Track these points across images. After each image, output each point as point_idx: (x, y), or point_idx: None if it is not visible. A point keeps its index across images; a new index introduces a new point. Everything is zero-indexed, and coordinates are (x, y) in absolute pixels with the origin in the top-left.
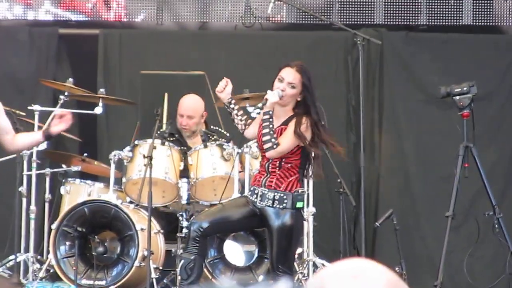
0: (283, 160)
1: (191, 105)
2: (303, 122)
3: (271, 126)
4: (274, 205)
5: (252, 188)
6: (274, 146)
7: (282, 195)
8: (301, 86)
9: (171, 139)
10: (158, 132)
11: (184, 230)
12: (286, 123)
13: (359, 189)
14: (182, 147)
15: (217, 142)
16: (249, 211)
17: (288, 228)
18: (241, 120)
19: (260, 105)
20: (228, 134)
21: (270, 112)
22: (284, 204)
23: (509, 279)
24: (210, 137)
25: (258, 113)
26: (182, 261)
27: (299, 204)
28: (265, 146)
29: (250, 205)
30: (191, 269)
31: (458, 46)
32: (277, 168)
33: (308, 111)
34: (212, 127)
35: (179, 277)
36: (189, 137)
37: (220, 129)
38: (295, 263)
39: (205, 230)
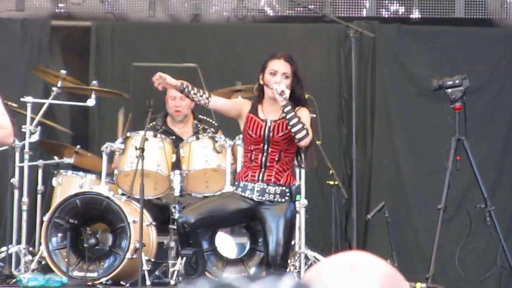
0: (282, 153)
1: None
2: (308, 115)
3: (297, 115)
4: (276, 199)
5: (242, 184)
6: (308, 133)
7: (284, 188)
8: (292, 75)
9: (158, 128)
10: (150, 124)
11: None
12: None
13: (351, 182)
14: (171, 137)
15: (209, 135)
16: (236, 207)
17: (289, 221)
18: (201, 96)
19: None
20: (216, 124)
21: (290, 103)
22: (287, 198)
23: (500, 272)
24: (201, 128)
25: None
26: (184, 258)
27: (298, 197)
28: (300, 135)
29: (240, 200)
30: (196, 263)
31: (450, 39)
32: (275, 162)
33: (301, 101)
34: (200, 116)
35: (181, 271)
36: (180, 123)
37: (207, 118)
38: None
39: (192, 224)
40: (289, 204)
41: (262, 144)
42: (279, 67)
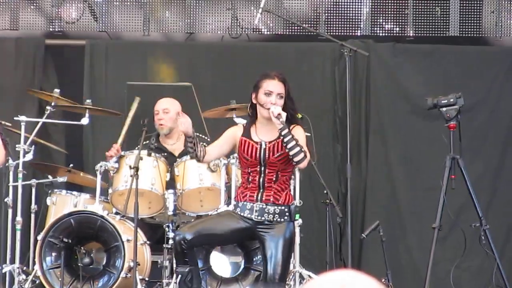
0: (279, 173)
1: (166, 100)
2: (303, 134)
3: (295, 137)
4: (275, 219)
5: (241, 204)
6: (306, 155)
7: (283, 208)
8: (286, 95)
9: (152, 146)
10: (145, 142)
11: (171, 241)
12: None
13: (346, 201)
14: (163, 153)
15: None
16: (235, 226)
17: (288, 240)
18: (200, 149)
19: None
20: (209, 139)
21: (287, 126)
22: (286, 217)
23: None
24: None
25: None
26: (180, 276)
27: (297, 216)
28: (297, 158)
29: (239, 219)
30: (190, 281)
31: (445, 57)
32: (273, 182)
33: (294, 119)
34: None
35: None
36: (170, 139)
37: (199, 134)
38: None
39: (190, 241)
40: (288, 224)
41: (258, 166)
42: (274, 87)
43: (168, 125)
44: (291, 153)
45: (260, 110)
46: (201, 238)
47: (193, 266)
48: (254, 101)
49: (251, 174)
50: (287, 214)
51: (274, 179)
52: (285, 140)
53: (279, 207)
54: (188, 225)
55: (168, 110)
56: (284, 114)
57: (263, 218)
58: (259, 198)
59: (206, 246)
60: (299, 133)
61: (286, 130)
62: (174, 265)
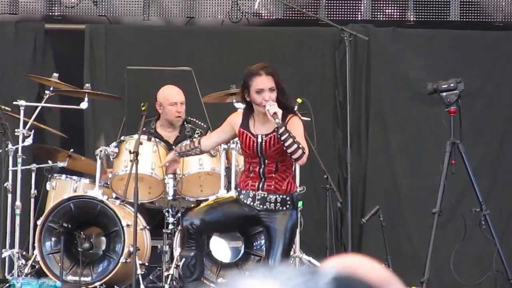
0: (279, 163)
1: (179, 92)
2: (301, 124)
3: (291, 135)
4: (277, 207)
5: (244, 192)
6: (304, 152)
7: (284, 196)
8: (276, 86)
9: (152, 131)
10: (144, 128)
11: (170, 226)
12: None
13: (346, 186)
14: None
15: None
16: (241, 212)
17: (290, 229)
18: (193, 147)
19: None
20: (205, 126)
21: (283, 124)
22: (288, 206)
23: (495, 276)
24: (194, 131)
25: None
26: (183, 259)
27: (300, 204)
28: (295, 156)
29: (244, 206)
30: (194, 266)
31: (445, 42)
32: (274, 173)
33: (289, 108)
34: (189, 118)
35: (177, 274)
36: (169, 127)
37: (196, 120)
38: None
39: (198, 227)
40: (291, 212)
41: (258, 158)
42: (263, 84)
43: (183, 117)
44: (289, 151)
45: (256, 106)
46: (209, 224)
47: (198, 251)
48: (248, 99)
49: (252, 164)
50: (289, 202)
51: (274, 169)
52: (282, 138)
53: (281, 196)
54: (195, 210)
55: (184, 102)
56: (280, 112)
57: (265, 207)
58: (260, 187)
59: (214, 231)
60: (296, 124)
61: (283, 129)
62: (174, 250)
